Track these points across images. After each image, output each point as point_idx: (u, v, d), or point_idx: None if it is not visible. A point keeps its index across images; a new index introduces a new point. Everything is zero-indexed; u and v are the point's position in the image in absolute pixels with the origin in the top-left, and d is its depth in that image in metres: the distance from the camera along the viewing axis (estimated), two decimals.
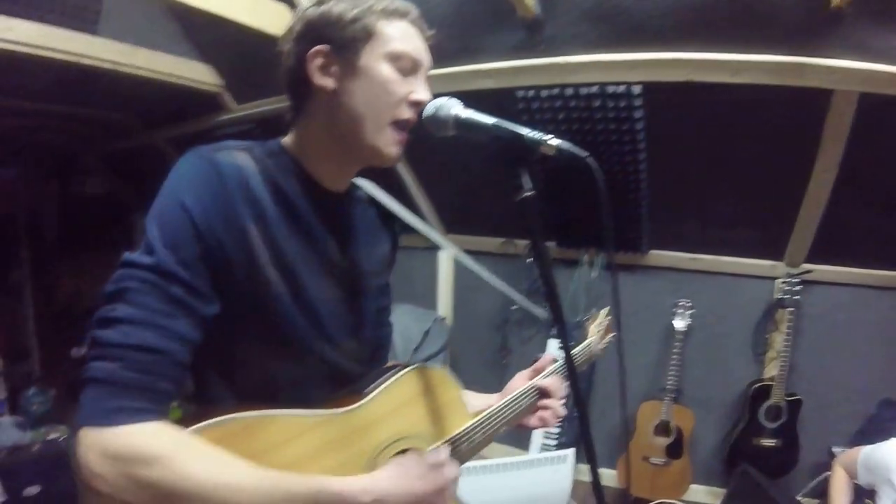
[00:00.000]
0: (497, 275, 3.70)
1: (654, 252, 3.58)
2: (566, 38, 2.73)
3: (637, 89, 2.74)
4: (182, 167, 1.01)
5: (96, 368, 0.86)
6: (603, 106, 2.86)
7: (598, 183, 1.00)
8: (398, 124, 1.11)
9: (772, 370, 3.25)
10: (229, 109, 4.01)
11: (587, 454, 1.12)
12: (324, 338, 1.15)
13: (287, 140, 1.18)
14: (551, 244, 3.82)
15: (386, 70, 1.08)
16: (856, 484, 2.32)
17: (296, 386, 1.12)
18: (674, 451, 3.30)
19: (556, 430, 3.45)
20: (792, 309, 3.09)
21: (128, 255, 0.94)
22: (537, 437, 3.50)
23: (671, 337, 3.37)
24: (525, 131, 1.03)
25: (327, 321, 1.15)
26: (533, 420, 1.46)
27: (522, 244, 3.92)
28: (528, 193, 1.03)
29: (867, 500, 2.25)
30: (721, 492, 3.32)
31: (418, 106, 1.11)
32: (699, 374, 3.47)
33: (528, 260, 3.91)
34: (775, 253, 3.27)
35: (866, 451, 2.25)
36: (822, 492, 3.10)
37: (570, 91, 2.89)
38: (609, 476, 3.63)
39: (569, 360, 1.10)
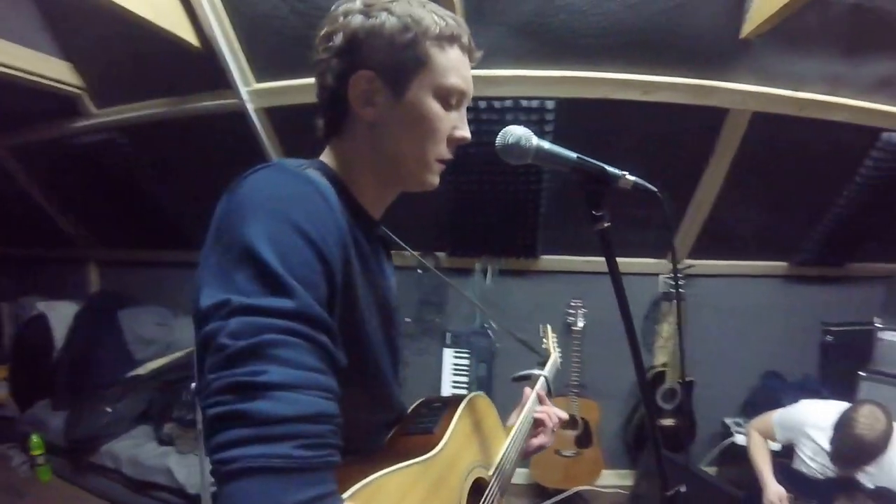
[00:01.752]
0: None
1: (546, 257, 3.78)
2: (489, 52, 2.81)
3: (550, 104, 2.90)
4: (275, 183, 0.84)
5: (260, 455, 0.65)
6: (515, 119, 2.97)
7: (665, 209, 1.10)
8: (440, 161, 1.05)
9: (661, 357, 3.61)
10: (88, 114, 3.55)
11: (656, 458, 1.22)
12: (393, 379, 1.10)
13: (327, 160, 1.05)
14: (442, 254, 3.89)
15: (434, 107, 0.99)
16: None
17: (370, 432, 1.09)
18: (583, 441, 3.54)
19: None
20: (679, 301, 3.45)
21: (249, 300, 0.73)
22: None
23: (569, 336, 3.60)
24: (605, 166, 1.08)
25: (389, 362, 1.08)
26: (538, 439, 1.52)
27: (411, 256, 3.93)
28: (607, 224, 1.09)
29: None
30: (630, 473, 3.63)
31: (460, 142, 1.05)
32: (599, 367, 3.73)
33: (418, 271, 3.93)
34: (660, 251, 3.62)
35: (781, 414, 2.68)
36: (720, 459, 3.54)
37: (483, 104, 2.97)
38: (522, 473, 3.77)
39: (637, 362, 1.19)
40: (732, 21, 2.51)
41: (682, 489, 1.19)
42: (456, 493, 1.11)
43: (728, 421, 3.64)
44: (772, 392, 3.51)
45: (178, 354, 3.91)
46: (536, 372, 1.73)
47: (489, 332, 3.76)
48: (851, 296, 3.94)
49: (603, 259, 3.43)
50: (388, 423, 1.15)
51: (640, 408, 3.64)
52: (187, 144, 3.43)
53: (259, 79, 2.85)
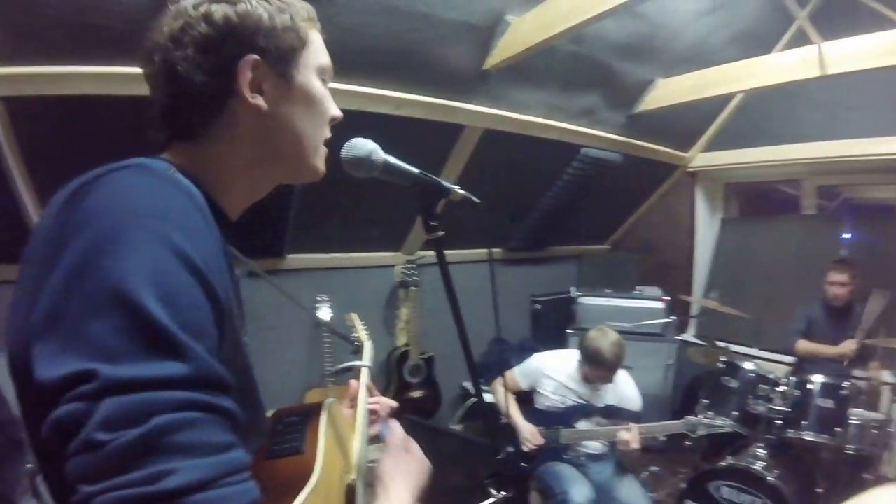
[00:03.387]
0: None
1: (291, 256, 3.85)
2: None
3: None
4: (146, 192, 0.68)
5: None
6: None
7: (483, 214, 1.37)
8: (324, 143, 0.98)
9: (403, 338, 4.05)
10: None
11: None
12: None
13: (176, 160, 0.84)
14: None
15: (319, 86, 0.94)
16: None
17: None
18: None
19: None
20: (414, 288, 3.89)
21: (124, 371, 0.54)
22: None
23: (318, 329, 3.80)
24: (441, 180, 1.21)
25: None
26: (372, 429, 1.52)
27: None
28: (441, 233, 1.23)
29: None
30: None
31: (334, 121, 0.99)
32: (346, 355, 3.99)
33: None
34: (396, 245, 4.01)
35: (521, 367, 3.23)
36: (465, 418, 4.16)
37: None
38: None
39: (467, 346, 1.41)
40: (478, 55, 2.93)
41: (510, 449, 1.41)
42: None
43: (466, 384, 4.26)
44: (499, 354, 4.20)
45: None
46: (359, 363, 1.69)
47: None
48: (552, 272, 4.93)
49: (343, 255, 3.70)
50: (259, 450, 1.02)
51: (390, 386, 4.02)
52: None
53: None
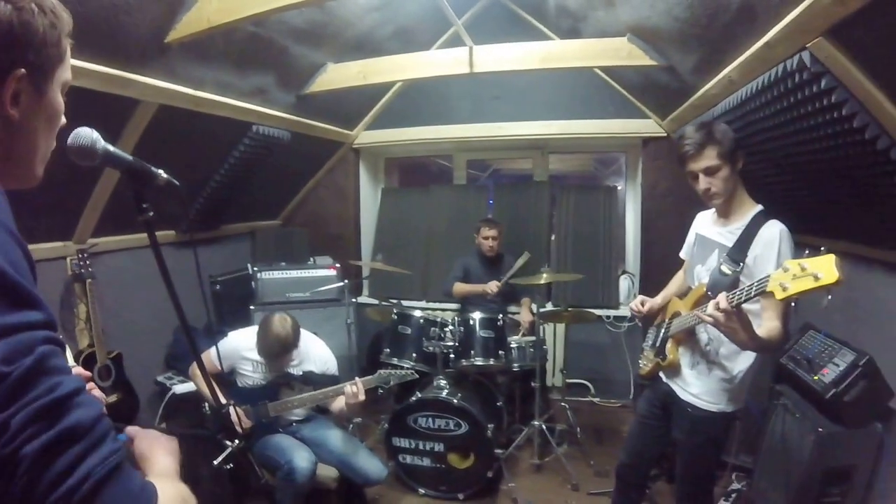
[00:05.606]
0: None
1: None
2: None
3: None
4: None
5: (101, 462, 0.72)
6: None
7: (183, 198, 1.43)
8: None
9: (85, 339, 3.65)
10: None
11: None
12: None
13: None
14: None
15: (61, 102, 0.97)
16: None
17: None
18: None
19: None
20: (90, 280, 3.56)
21: (11, 317, 0.71)
22: None
23: None
24: (150, 166, 1.33)
25: None
26: None
27: None
28: (151, 213, 1.36)
29: None
30: None
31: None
32: None
33: None
34: (64, 234, 3.59)
35: (214, 350, 3.12)
36: (167, 414, 3.99)
37: None
38: None
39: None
40: (162, 27, 2.85)
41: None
42: None
43: (160, 378, 4.09)
44: (184, 345, 4.07)
45: None
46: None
47: None
48: (227, 251, 4.99)
49: None
50: None
51: None
52: None
53: None
